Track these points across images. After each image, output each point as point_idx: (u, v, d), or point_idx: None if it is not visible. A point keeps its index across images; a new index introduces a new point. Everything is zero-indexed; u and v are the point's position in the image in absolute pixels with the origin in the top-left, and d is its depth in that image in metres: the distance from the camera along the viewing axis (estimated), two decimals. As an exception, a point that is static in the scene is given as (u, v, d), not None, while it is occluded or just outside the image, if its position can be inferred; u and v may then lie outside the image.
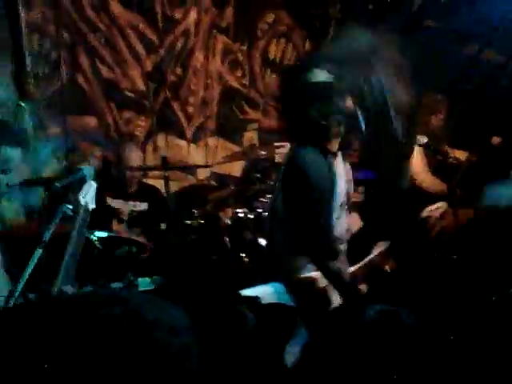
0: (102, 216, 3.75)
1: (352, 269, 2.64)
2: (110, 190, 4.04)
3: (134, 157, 4.13)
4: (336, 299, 2.51)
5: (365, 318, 1.27)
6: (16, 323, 0.70)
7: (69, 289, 2.45)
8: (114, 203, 4.06)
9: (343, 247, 2.61)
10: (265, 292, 2.57)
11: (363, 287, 2.57)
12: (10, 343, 0.67)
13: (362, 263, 2.68)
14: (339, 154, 2.60)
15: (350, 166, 2.68)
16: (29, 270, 2.43)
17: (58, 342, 0.66)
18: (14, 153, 3.90)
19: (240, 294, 2.69)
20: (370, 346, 1.25)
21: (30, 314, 0.71)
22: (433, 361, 1.25)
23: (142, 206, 4.14)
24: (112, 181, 4.10)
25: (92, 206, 2.58)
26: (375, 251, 2.77)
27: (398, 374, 1.20)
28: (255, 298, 2.61)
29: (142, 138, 4.82)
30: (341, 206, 2.55)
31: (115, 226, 3.93)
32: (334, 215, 2.51)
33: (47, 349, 0.66)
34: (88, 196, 2.57)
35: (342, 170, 2.59)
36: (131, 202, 4.10)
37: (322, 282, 2.52)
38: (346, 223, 2.62)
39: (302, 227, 2.46)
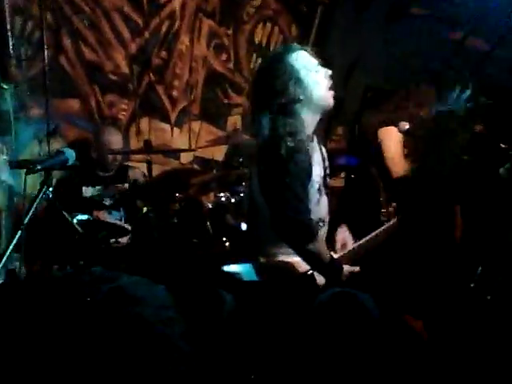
0: (80, 207, 3.75)
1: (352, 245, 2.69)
2: (88, 175, 4.04)
3: (115, 140, 4.12)
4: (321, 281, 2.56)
5: (317, 301, 1.30)
6: (5, 301, 0.73)
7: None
8: (93, 191, 4.05)
9: (324, 231, 2.64)
10: (246, 270, 2.61)
11: (349, 269, 2.60)
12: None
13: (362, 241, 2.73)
14: (314, 137, 2.63)
15: (325, 149, 2.71)
16: (8, 252, 2.44)
17: (47, 320, 0.69)
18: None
19: (222, 270, 2.73)
20: (319, 329, 1.29)
21: (19, 293, 0.75)
22: (389, 344, 1.28)
23: (124, 188, 4.15)
24: (91, 163, 4.09)
25: (11, 181, 2.61)
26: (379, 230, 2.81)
27: (350, 356, 1.23)
28: (236, 274, 2.65)
29: (126, 122, 4.81)
30: (318, 189, 2.58)
31: (96, 213, 3.91)
32: (313, 199, 2.54)
33: (36, 325, 0.69)
34: (4, 173, 2.62)
35: (318, 154, 2.62)
36: (112, 186, 4.10)
37: (302, 267, 2.56)
38: (325, 207, 2.66)
39: (279, 211, 2.47)
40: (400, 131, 4.30)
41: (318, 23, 6.14)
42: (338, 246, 2.77)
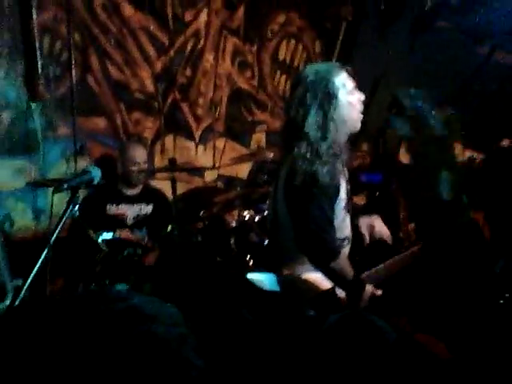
0: (104, 224, 3.75)
1: (375, 269, 2.69)
2: (114, 193, 4.08)
3: (139, 154, 4.15)
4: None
5: (326, 322, 1.28)
6: (25, 320, 0.74)
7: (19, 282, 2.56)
8: (117, 209, 4.06)
9: (347, 248, 2.66)
10: (269, 279, 2.62)
11: (371, 290, 2.58)
12: (21, 339, 0.72)
13: (384, 264, 2.72)
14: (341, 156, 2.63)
15: (346, 168, 2.71)
16: (35, 271, 2.47)
17: (62, 339, 0.70)
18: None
19: (245, 277, 2.73)
20: (328, 351, 1.27)
21: (37, 311, 0.76)
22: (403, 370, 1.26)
23: (148, 209, 4.16)
24: (116, 180, 4.11)
25: None
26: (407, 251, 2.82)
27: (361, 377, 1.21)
28: (259, 282, 2.64)
29: (151, 139, 4.85)
30: (344, 207, 2.59)
31: (119, 231, 3.93)
32: (339, 216, 2.55)
33: (53, 344, 0.70)
34: None
35: (343, 173, 2.64)
36: (136, 205, 4.12)
37: (324, 284, 2.55)
38: (349, 225, 2.67)
39: (304, 226, 2.49)
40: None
41: (341, 39, 6.15)
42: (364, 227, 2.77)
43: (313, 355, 1.33)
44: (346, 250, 2.63)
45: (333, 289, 2.52)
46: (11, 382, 0.68)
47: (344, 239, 2.61)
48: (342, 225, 2.59)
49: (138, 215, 4.07)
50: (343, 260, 2.55)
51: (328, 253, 2.49)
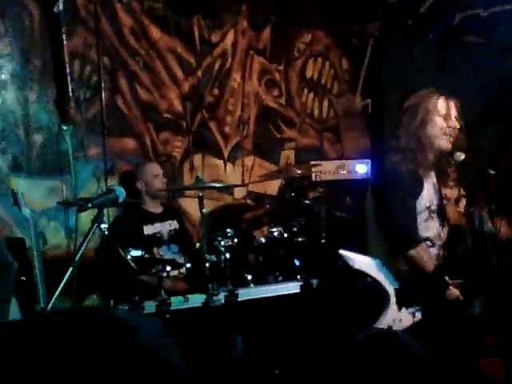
0: (143, 244, 3.78)
1: None
2: (142, 213, 4.13)
3: (157, 168, 4.22)
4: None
5: (353, 341, 1.27)
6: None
7: None
8: (153, 228, 4.11)
9: (434, 250, 2.83)
10: (365, 261, 2.76)
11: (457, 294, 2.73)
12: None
13: None
14: (431, 173, 2.91)
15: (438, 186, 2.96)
16: (61, 287, 2.49)
17: (47, 357, 0.70)
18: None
19: (338, 252, 2.86)
20: (355, 368, 1.25)
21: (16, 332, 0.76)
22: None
23: (175, 224, 4.23)
24: (139, 198, 4.17)
25: (32, 218, 2.78)
26: None
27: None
28: (348, 259, 2.75)
29: (179, 158, 4.91)
30: (429, 210, 2.81)
31: (156, 251, 3.96)
32: (422, 214, 2.78)
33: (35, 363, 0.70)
34: (26, 208, 2.78)
35: (431, 183, 2.89)
36: (166, 222, 4.17)
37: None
38: (435, 231, 2.86)
39: (387, 214, 2.76)
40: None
41: (369, 56, 6.15)
42: None
43: (341, 369, 1.32)
44: (431, 250, 2.80)
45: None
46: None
47: (426, 239, 2.79)
48: (424, 225, 2.79)
49: (169, 231, 4.12)
50: (424, 252, 2.71)
51: (407, 239, 2.70)
